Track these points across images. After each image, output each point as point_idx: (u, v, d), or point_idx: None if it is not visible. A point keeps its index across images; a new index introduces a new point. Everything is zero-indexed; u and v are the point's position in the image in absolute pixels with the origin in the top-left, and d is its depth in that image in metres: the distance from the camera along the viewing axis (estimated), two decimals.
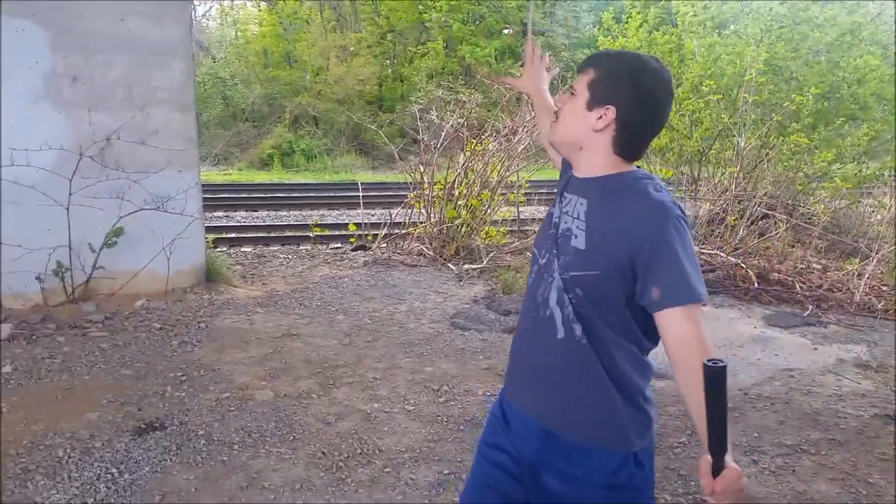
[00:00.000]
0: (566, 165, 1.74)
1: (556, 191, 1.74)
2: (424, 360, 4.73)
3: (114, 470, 3.22)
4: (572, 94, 1.60)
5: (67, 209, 5.31)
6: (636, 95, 1.54)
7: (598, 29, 10.24)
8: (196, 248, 6.02)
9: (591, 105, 1.56)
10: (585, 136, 1.59)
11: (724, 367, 1.25)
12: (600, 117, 1.55)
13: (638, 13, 9.12)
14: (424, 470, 3.31)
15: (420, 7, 23.50)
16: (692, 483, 3.19)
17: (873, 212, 7.85)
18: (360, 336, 5.15)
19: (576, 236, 1.56)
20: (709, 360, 1.26)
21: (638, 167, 1.64)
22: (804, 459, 3.42)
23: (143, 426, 3.66)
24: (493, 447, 1.73)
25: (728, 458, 1.33)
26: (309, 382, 4.27)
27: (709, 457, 1.34)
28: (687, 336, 1.44)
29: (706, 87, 7.68)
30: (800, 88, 7.78)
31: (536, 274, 1.66)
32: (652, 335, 1.57)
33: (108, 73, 5.64)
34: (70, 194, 5.32)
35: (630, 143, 1.58)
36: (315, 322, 5.43)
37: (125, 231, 5.51)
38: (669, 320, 1.46)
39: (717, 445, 1.33)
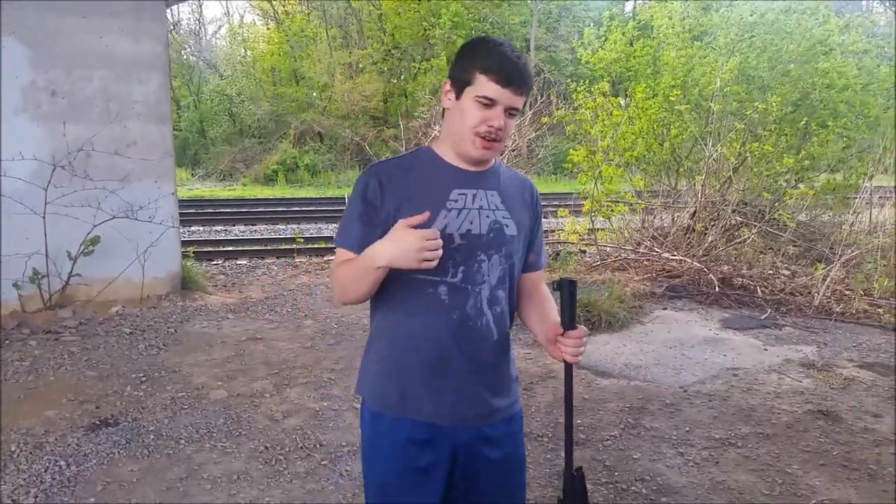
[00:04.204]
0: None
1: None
2: None
3: (62, 462, 3.37)
4: (511, 115, 1.57)
5: (44, 217, 5.50)
6: None
7: (577, 42, 10.41)
8: (171, 256, 6.20)
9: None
10: None
11: (575, 281, 1.61)
12: None
13: (616, 27, 9.26)
14: (361, 462, 3.41)
15: (424, 24, 23.79)
16: (616, 473, 3.27)
17: (853, 221, 7.85)
18: (324, 339, 5.28)
19: (507, 225, 1.63)
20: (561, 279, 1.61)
21: None
22: (730, 452, 3.49)
23: (97, 423, 3.81)
24: (421, 471, 1.64)
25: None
26: (264, 383, 4.40)
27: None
28: (544, 285, 1.81)
29: (674, 97, 7.78)
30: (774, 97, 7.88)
31: (454, 293, 1.59)
32: None
33: (87, 87, 5.87)
34: (46, 203, 5.51)
35: None
36: (282, 327, 5.58)
37: (102, 239, 5.68)
38: (538, 277, 1.79)
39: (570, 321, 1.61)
